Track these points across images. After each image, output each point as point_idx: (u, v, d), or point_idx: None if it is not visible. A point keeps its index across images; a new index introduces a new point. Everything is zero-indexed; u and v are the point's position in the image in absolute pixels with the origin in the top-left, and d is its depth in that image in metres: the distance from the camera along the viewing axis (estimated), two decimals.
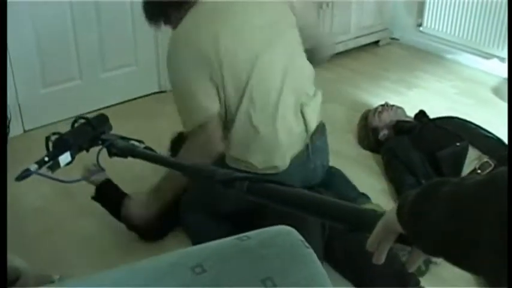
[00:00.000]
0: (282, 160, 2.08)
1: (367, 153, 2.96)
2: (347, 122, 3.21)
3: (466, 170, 2.43)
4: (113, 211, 2.26)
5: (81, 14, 3.14)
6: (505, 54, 3.75)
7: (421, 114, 2.94)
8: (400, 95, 3.60)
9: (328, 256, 2.02)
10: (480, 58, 3.97)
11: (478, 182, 0.72)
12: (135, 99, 3.54)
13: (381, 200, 2.51)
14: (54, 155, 1.65)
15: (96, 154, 1.76)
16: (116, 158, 1.79)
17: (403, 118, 2.92)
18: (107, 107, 3.40)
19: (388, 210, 0.90)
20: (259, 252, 1.11)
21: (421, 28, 4.32)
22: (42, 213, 2.45)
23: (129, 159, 1.75)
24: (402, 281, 1.92)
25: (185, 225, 2.28)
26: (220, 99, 2.04)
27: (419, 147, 2.62)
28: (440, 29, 4.16)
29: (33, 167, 1.60)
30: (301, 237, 1.17)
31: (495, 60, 3.87)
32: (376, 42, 4.44)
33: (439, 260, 0.83)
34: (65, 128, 1.79)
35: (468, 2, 3.90)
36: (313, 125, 2.17)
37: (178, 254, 1.16)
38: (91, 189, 2.30)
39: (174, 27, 2.13)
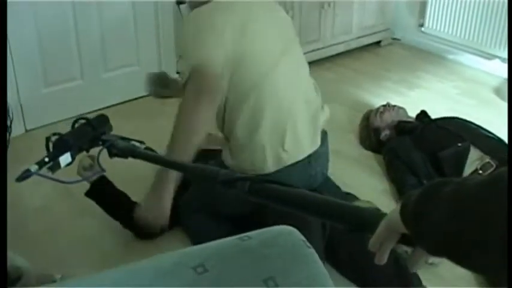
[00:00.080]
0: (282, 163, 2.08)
1: (369, 153, 2.96)
2: (348, 122, 3.21)
3: (467, 170, 2.43)
4: (108, 209, 2.26)
5: (83, 14, 3.15)
6: (506, 54, 3.75)
7: (423, 114, 2.93)
8: (401, 95, 3.60)
9: (330, 256, 2.02)
10: (482, 59, 3.97)
11: (479, 182, 0.72)
12: (136, 99, 3.54)
13: (383, 201, 2.51)
14: (54, 156, 1.64)
15: (96, 155, 1.75)
16: (116, 158, 1.78)
17: (405, 118, 2.91)
18: (109, 106, 3.40)
19: (391, 211, 0.90)
20: (261, 252, 1.11)
21: (422, 28, 4.32)
22: (43, 213, 2.45)
23: (130, 159, 1.75)
24: (404, 281, 1.92)
25: (185, 225, 2.28)
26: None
27: (421, 147, 2.62)
28: (442, 29, 4.16)
29: (34, 167, 1.59)
30: (302, 237, 1.17)
31: (497, 60, 3.87)
32: (378, 43, 4.44)
33: (438, 260, 0.83)
34: (66, 128, 1.79)
35: (470, 3, 3.90)
36: (318, 136, 2.19)
37: (179, 253, 1.16)
38: None
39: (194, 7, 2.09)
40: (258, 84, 2.03)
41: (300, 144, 2.11)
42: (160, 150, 2.63)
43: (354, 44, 4.23)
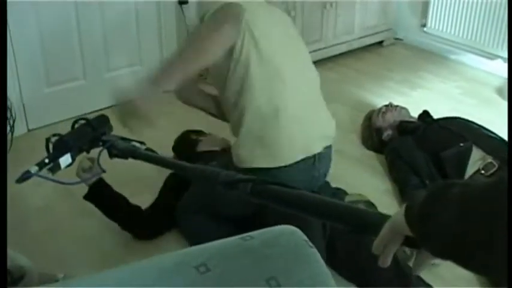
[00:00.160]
0: (290, 157, 2.08)
1: (371, 153, 2.96)
2: (351, 122, 3.21)
3: (469, 170, 2.42)
4: (107, 211, 2.26)
5: (85, 14, 3.15)
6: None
7: (425, 114, 2.93)
8: (404, 95, 3.60)
9: (330, 256, 2.02)
10: (484, 59, 3.97)
11: (486, 183, 0.71)
12: None
13: (385, 201, 2.51)
14: (54, 157, 1.64)
15: (96, 156, 1.75)
16: (116, 159, 1.78)
17: (407, 118, 2.91)
18: (111, 106, 3.39)
19: (394, 213, 0.89)
20: (263, 251, 1.11)
21: (425, 28, 4.32)
22: (44, 212, 2.45)
23: (130, 160, 1.75)
24: (404, 281, 1.92)
25: (183, 227, 2.28)
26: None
27: (423, 147, 2.62)
28: (444, 29, 4.16)
29: (34, 169, 1.58)
30: (305, 237, 1.17)
31: (499, 60, 3.87)
32: (380, 43, 4.44)
33: (439, 261, 0.82)
34: (68, 128, 1.79)
35: (472, 3, 3.90)
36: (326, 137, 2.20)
37: (182, 253, 1.16)
38: None
39: None
40: (278, 74, 2.03)
41: (309, 142, 2.12)
42: (161, 151, 2.64)
43: (356, 44, 4.23)
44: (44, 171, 1.61)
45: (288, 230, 1.19)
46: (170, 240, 2.30)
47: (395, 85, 3.78)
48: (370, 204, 2.30)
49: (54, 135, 1.69)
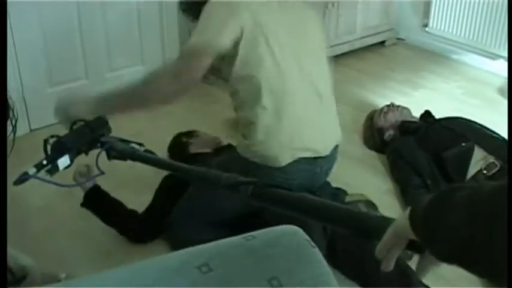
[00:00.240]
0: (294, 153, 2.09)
1: (373, 153, 2.96)
2: (352, 122, 3.21)
3: (471, 170, 2.42)
4: (104, 217, 2.27)
5: (87, 14, 3.16)
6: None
7: (427, 114, 2.93)
8: (405, 95, 3.60)
9: (331, 256, 2.03)
10: (486, 59, 3.97)
11: (494, 187, 0.71)
12: None
13: (386, 201, 2.51)
14: (52, 159, 1.62)
15: (95, 157, 1.73)
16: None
17: (409, 118, 2.91)
18: None
19: (398, 217, 0.88)
20: (265, 251, 1.11)
21: (427, 28, 4.32)
22: (45, 212, 2.46)
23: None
24: (406, 281, 1.92)
25: (177, 234, 2.23)
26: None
27: (425, 147, 2.62)
28: (446, 29, 4.15)
29: (32, 170, 1.57)
30: (307, 237, 1.17)
31: (501, 60, 3.86)
32: (382, 43, 4.44)
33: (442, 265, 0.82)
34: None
35: (474, 3, 3.90)
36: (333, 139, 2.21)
37: (184, 253, 1.16)
38: None
39: None
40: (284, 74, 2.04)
41: (317, 141, 2.13)
42: (162, 152, 2.65)
43: (358, 44, 4.23)
44: (42, 173, 1.59)
45: (290, 230, 1.19)
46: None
47: (397, 85, 3.78)
48: (371, 203, 2.30)
49: (52, 136, 1.67)
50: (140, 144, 1.74)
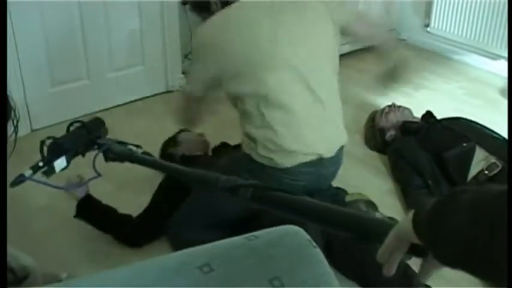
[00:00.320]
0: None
1: (374, 153, 2.96)
2: (354, 123, 3.20)
3: (473, 170, 2.42)
4: (98, 225, 2.28)
5: (89, 14, 3.16)
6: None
7: (428, 115, 2.93)
8: (407, 95, 3.59)
9: (329, 255, 2.02)
10: (487, 59, 3.96)
11: (498, 190, 0.70)
12: (142, 99, 3.55)
13: (387, 201, 2.51)
14: (49, 160, 1.60)
15: (92, 159, 1.71)
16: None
17: (410, 119, 2.91)
18: (114, 106, 3.41)
19: (400, 220, 0.87)
20: (266, 252, 1.11)
21: (428, 29, 4.31)
22: (46, 212, 2.46)
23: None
24: (406, 281, 1.91)
25: (178, 238, 2.23)
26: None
27: (426, 147, 2.62)
28: (447, 29, 4.15)
29: (28, 172, 1.55)
30: (308, 237, 1.17)
31: (502, 61, 3.86)
32: None
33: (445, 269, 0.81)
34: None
35: (475, 3, 3.89)
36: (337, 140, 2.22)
37: (185, 253, 1.16)
38: (96, 188, 2.30)
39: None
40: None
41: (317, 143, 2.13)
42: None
43: (359, 45, 4.22)
44: (39, 175, 1.58)
45: (291, 230, 1.19)
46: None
47: (398, 85, 3.77)
48: (370, 203, 2.29)
49: (48, 137, 1.64)
50: (138, 146, 1.71)
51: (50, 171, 1.60)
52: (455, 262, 0.74)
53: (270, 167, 2.08)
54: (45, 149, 1.63)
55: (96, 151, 1.68)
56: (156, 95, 3.61)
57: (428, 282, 1.96)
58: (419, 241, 0.80)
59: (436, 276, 1.98)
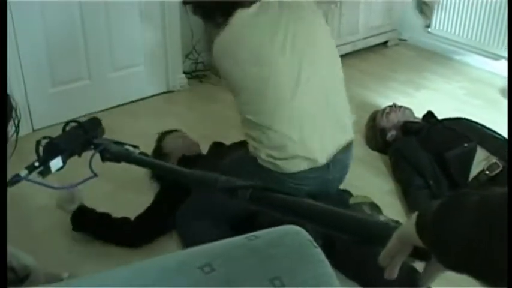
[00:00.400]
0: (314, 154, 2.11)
1: (375, 153, 2.96)
2: (355, 123, 3.16)
3: (474, 170, 2.42)
4: (99, 235, 2.29)
5: (90, 14, 3.16)
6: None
7: (429, 115, 2.93)
8: (408, 96, 3.60)
9: (330, 255, 2.02)
10: (488, 59, 3.96)
11: (504, 193, 0.69)
12: (143, 99, 3.55)
13: (388, 201, 2.51)
14: (44, 160, 1.58)
15: (88, 159, 1.70)
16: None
17: (411, 119, 2.91)
18: (115, 106, 3.41)
19: (403, 223, 0.86)
20: (267, 251, 1.11)
21: (429, 29, 4.31)
22: (47, 211, 2.45)
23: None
24: (409, 281, 1.91)
25: (183, 234, 2.26)
26: None
27: (427, 148, 2.62)
28: (448, 30, 4.15)
29: (23, 172, 1.54)
30: (309, 237, 1.17)
31: (503, 61, 3.86)
32: (385, 43, 4.43)
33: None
34: None
35: (477, 4, 3.89)
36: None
37: (186, 253, 1.16)
38: (97, 188, 2.30)
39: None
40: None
41: (322, 149, 2.13)
42: None
43: (360, 45, 4.23)
44: (34, 175, 1.56)
45: (292, 230, 1.19)
46: (174, 240, 2.30)
47: (399, 86, 3.78)
48: (374, 206, 2.29)
49: (44, 137, 1.62)
50: (135, 147, 1.70)
51: (46, 171, 1.58)
52: (458, 266, 0.73)
53: (275, 172, 2.08)
54: (41, 149, 1.61)
55: (93, 151, 1.67)
56: (157, 95, 3.61)
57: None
58: (423, 244, 0.79)
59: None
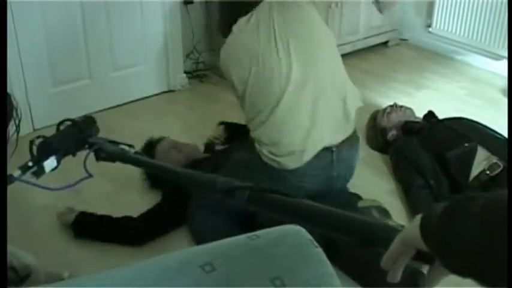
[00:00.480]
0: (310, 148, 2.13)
1: (376, 153, 2.96)
2: (356, 123, 3.20)
3: (475, 170, 2.42)
4: (101, 236, 2.29)
5: (91, 13, 3.16)
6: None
7: (430, 115, 2.93)
8: (409, 95, 3.60)
9: (331, 255, 2.02)
10: (489, 59, 3.96)
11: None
12: (144, 98, 3.55)
13: (389, 201, 2.50)
14: (38, 160, 1.56)
15: (83, 158, 1.68)
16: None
17: (412, 119, 2.91)
18: (116, 106, 3.41)
19: (407, 225, 0.84)
20: (268, 251, 1.11)
21: (430, 29, 4.31)
22: (47, 211, 2.46)
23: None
24: (411, 281, 1.91)
25: (193, 225, 2.28)
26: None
27: (428, 147, 2.62)
28: (449, 30, 4.15)
29: (17, 173, 1.51)
30: (310, 237, 1.16)
31: (504, 61, 3.85)
32: (385, 43, 4.43)
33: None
34: None
35: (477, 3, 3.89)
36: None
37: (187, 252, 1.16)
38: (97, 188, 2.31)
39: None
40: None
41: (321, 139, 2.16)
42: None
43: (361, 45, 4.23)
44: (28, 175, 1.53)
45: (293, 230, 1.18)
46: (176, 239, 2.30)
47: (400, 85, 3.78)
48: (384, 210, 2.29)
49: (38, 137, 1.60)
50: (130, 146, 1.66)
51: (40, 171, 1.55)
52: (463, 269, 0.72)
53: (278, 169, 2.10)
54: (34, 148, 1.58)
55: (87, 151, 1.63)
56: (157, 94, 3.61)
57: None
58: (427, 247, 0.78)
59: None
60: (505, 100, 3.54)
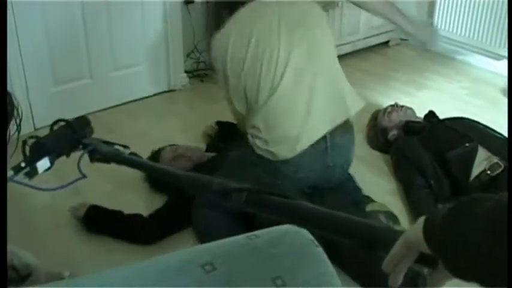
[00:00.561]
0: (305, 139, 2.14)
1: (376, 153, 2.96)
2: (356, 122, 3.17)
3: (475, 170, 2.42)
4: (111, 232, 2.30)
5: (91, 13, 3.16)
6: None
7: (431, 114, 2.93)
8: (409, 95, 3.60)
9: (332, 254, 2.02)
10: (490, 59, 3.96)
11: None
12: (144, 98, 3.55)
13: (390, 201, 2.50)
14: (31, 161, 1.53)
15: (77, 159, 1.67)
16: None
17: (413, 118, 2.91)
18: (117, 105, 3.41)
19: (409, 228, 0.83)
20: (268, 251, 1.11)
21: None
22: (50, 210, 2.46)
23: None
24: (409, 282, 1.91)
25: (197, 223, 2.27)
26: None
27: (429, 147, 2.62)
28: (450, 30, 4.15)
29: (9, 173, 1.48)
30: (310, 236, 1.16)
31: (505, 61, 3.85)
32: (386, 43, 4.43)
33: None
34: None
35: (478, 3, 3.89)
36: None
37: (187, 251, 1.16)
38: (98, 188, 2.31)
39: None
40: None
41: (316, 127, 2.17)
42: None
43: (361, 45, 4.23)
44: (21, 176, 1.51)
45: (293, 229, 1.18)
46: (177, 239, 2.30)
47: (401, 85, 3.78)
48: (392, 215, 2.28)
49: (31, 137, 1.57)
50: (125, 147, 1.65)
51: (33, 172, 1.53)
52: (467, 273, 0.71)
53: (272, 161, 2.10)
54: (27, 149, 1.55)
55: (81, 151, 1.61)
56: (158, 94, 3.61)
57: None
58: (429, 250, 0.77)
59: None
60: (506, 100, 3.54)
